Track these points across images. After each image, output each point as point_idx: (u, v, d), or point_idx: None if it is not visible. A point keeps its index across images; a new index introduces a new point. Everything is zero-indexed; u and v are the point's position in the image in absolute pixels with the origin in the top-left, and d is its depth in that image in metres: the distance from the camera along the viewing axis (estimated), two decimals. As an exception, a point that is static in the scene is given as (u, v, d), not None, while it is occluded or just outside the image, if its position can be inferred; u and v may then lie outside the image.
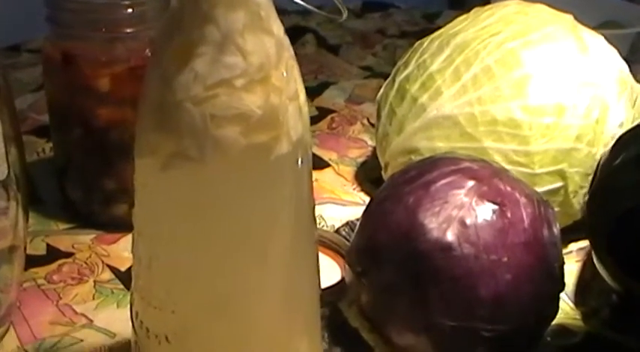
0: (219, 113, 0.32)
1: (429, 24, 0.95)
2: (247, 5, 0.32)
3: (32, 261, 0.51)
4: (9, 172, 0.40)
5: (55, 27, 0.52)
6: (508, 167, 0.51)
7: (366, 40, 0.92)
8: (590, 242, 0.47)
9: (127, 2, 0.51)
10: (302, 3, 0.35)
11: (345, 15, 0.36)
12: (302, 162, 0.36)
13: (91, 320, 0.47)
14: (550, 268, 0.42)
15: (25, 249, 0.46)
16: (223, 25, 0.32)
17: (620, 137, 0.47)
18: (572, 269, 0.52)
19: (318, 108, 0.75)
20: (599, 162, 0.47)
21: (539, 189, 0.51)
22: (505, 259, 0.41)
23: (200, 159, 0.33)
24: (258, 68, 0.33)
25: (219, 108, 0.32)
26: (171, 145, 0.33)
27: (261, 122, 0.33)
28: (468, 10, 0.59)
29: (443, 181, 0.43)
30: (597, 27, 0.61)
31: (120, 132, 0.52)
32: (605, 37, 0.58)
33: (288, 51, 0.34)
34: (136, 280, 0.37)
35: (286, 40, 0.34)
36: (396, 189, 0.44)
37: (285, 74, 0.34)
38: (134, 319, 0.38)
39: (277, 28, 0.34)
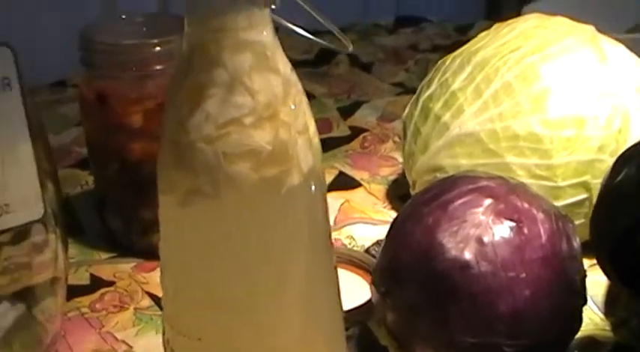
0: (230, 150, 0.34)
1: (461, 36, 0.96)
2: (253, 47, 0.34)
3: (76, 291, 0.54)
4: (45, 210, 0.42)
5: (88, 68, 0.55)
6: (531, 181, 0.52)
7: (398, 56, 0.93)
8: (596, 257, 0.48)
9: (154, 41, 0.54)
10: (306, 34, 0.36)
11: (350, 47, 0.37)
12: (314, 191, 0.37)
13: (131, 347, 0.49)
14: (570, 282, 0.43)
15: (66, 279, 0.49)
16: (231, 67, 0.34)
17: (622, 154, 0.47)
18: (601, 280, 0.52)
19: (350, 127, 0.77)
20: (603, 178, 0.47)
21: (563, 202, 0.52)
22: (523, 275, 0.41)
23: (215, 195, 0.35)
24: (265, 106, 0.34)
25: (231, 146, 0.34)
26: (187, 183, 0.35)
27: (272, 157, 0.35)
28: (505, 19, 0.60)
29: (460, 201, 0.44)
30: (628, 31, 0.61)
31: (153, 165, 0.54)
32: (636, 41, 0.58)
33: (296, 86, 0.36)
34: (165, 309, 0.39)
35: (294, 76, 0.36)
36: (416, 210, 0.46)
37: (293, 109, 0.35)
38: (166, 346, 0.40)
39: (283, 65, 0.35)
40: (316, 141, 0.37)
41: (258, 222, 0.36)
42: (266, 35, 0.34)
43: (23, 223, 0.41)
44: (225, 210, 0.35)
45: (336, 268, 0.41)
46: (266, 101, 0.34)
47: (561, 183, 0.52)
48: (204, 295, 0.37)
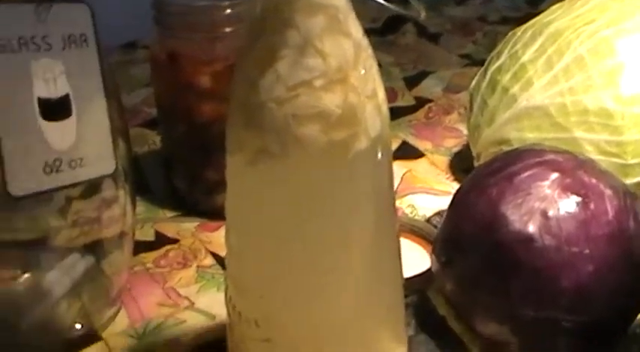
0: (300, 112, 0.34)
1: (531, 9, 0.94)
2: (326, 10, 0.34)
3: (142, 247, 0.56)
4: (116, 166, 0.44)
5: (160, 28, 0.56)
6: (599, 158, 0.51)
7: (466, 28, 0.92)
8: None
9: (225, 3, 0.54)
10: (379, 0, 0.36)
11: (423, 14, 0.37)
12: (381, 157, 0.37)
13: (193, 303, 0.50)
14: (636, 260, 0.42)
15: (133, 235, 0.50)
16: (303, 29, 0.34)
17: None
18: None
19: (415, 97, 0.76)
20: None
21: (633, 180, 0.51)
22: (587, 251, 0.41)
23: (283, 155, 0.35)
24: (336, 69, 0.34)
25: (300, 108, 0.34)
26: (256, 142, 0.35)
27: (340, 120, 0.35)
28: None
29: (526, 173, 0.43)
30: None
31: (221, 126, 0.54)
32: None
33: (367, 51, 0.36)
34: (228, 267, 0.40)
35: (365, 41, 0.36)
36: (480, 181, 0.45)
37: (363, 74, 0.35)
38: (228, 303, 0.41)
39: (355, 29, 0.35)
40: (385, 107, 0.37)
41: (325, 183, 0.36)
42: (339, -1, 0.35)
43: (95, 177, 0.42)
44: (292, 170, 0.35)
45: (398, 235, 0.41)
46: (337, 64, 0.34)
47: (631, 161, 0.51)
48: (267, 253, 0.37)
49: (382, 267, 0.40)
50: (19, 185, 0.38)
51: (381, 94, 0.37)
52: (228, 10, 0.54)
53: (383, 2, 0.37)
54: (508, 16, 0.94)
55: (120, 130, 0.47)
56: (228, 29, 0.55)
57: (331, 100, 0.34)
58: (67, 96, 0.40)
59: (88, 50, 0.41)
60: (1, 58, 0.37)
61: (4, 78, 0.37)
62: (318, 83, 0.34)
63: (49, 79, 0.39)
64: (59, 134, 0.40)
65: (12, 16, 0.38)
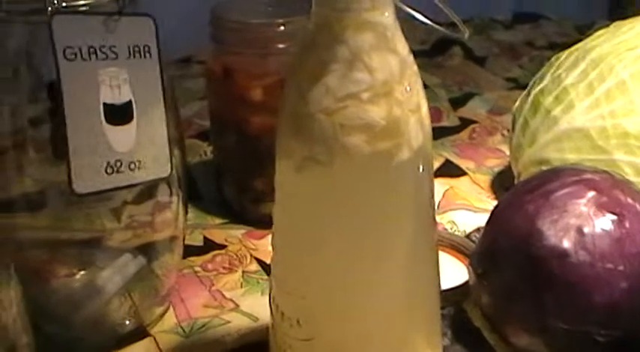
0: (347, 123, 0.36)
1: (580, 35, 0.95)
2: (374, 27, 0.36)
3: (191, 251, 0.58)
4: (171, 171, 0.46)
5: (217, 44, 0.59)
6: (638, 180, 0.52)
7: (513, 52, 0.93)
8: None
9: (279, 21, 0.57)
10: (424, 20, 0.38)
11: (466, 34, 0.39)
12: (422, 168, 0.39)
13: (238, 305, 0.53)
14: (669, 279, 0.43)
15: (183, 239, 0.53)
16: (352, 45, 0.36)
17: None
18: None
19: (460, 118, 0.78)
20: None
21: (670, 203, 0.52)
22: (621, 268, 0.42)
23: (329, 163, 0.37)
24: (382, 83, 0.37)
25: (348, 119, 0.36)
26: (304, 150, 0.38)
27: (385, 131, 0.37)
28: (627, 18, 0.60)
29: (563, 191, 0.45)
30: None
31: (270, 138, 0.57)
32: None
33: (412, 68, 0.38)
34: (273, 268, 0.42)
35: (410, 58, 0.38)
36: (518, 198, 0.47)
37: (407, 89, 0.37)
38: (271, 303, 0.43)
39: (402, 47, 0.37)
40: (427, 121, 0.39)
41: (368, 191, 0.38)
42: (387, 17, 0.37)
43: (152, 179, 0.45)
44: (337, 177, 0.38)
45: (437, 246, 0.43)
46: (383, 79, 0.36)
47: (669, 184, 0.52)
48: (310, 256, 0.39)
49: (420, 276, 0.41)
50: (83, 183, 0.41)
51: (424, 109, 0.39)
52: (282, 28, 0.57)
53: (428, 22, 0.39)
54: (556, 42, 0.95)
55: (175, 139, 0.49)
56: (280, 45, 0.57)
57: (377, 112, 0.37)
58: (129, 102, 0.42)
59: (150, 61, 0.44)
60: (72, 65, 0.40)
61: (74, 83, 0.40)
62: (364, 96, 0.36)
63: (114, 86, 0.42)
64: (121, 137, 0.42)
65: (83, 27, 0.41)
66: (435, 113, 0.78)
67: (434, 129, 0.74)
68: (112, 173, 0.42)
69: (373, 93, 0.36)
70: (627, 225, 0.43)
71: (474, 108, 0.80)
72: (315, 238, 0.39)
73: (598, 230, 0.43)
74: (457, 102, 0.80)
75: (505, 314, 0.45)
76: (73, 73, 0.40)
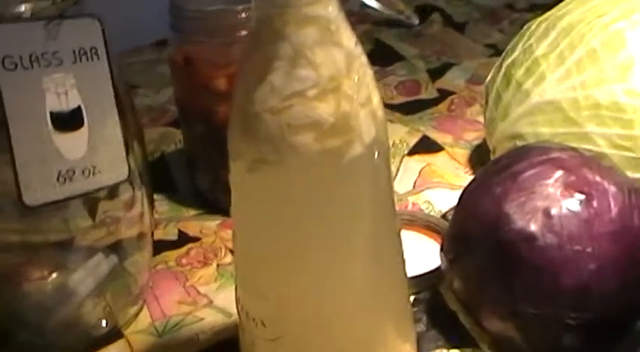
0: (294, 122, 0.35)
1: (561, -4, 0.93)
2: (317, 21, 0.35)
3: (165, 246, 0.58)
4: (130, 172, 0.45)
5: (177, 33, 0.57)
6: (612, 152, 0.51)
7: (493, 16, 0.91)
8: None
9: (239, 8, 0.55)
10: (374, 6, 0.37)
11: (416, 21, 0.37)
12: (378, 161, 0.38)
13: (212, 301, 0.52)
14: (640, 257, 0.42)
15: (152, 235, 0.52)
16: (295, 41, 0.35)
17: None
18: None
19: (439, 90, 0.77)
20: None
21: (645, 174, 0.51)
22: (589, 249, 0.41)
23: (279, 163, 0.36)
24: (329, 79, 0.35)
25: (295, 118, 0.35)
26: (254, 151, 0.37)
27: (334, 128, 0.36)
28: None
29: (531, 172, 0.44)
30: None
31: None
32: None
33: (359, 59, 0.37)
34: (236, 269, 0.42)
35: (358, 49, 0.37)
36: (486, 179, 0.46)
37: (356, 82, 0.36)
38: (237, 303, 0.42)
39: (347, 39, 0.36)
40: (380, 112, 0.38)
41: (321, 189, 0.37)
42: (331, 10, 0.35)
43: (109, 184, 0.44)
44: (289, 177, 0.37)
45: (400, 233, 0.42)
46: (329, 74, 0.35)
47: (643, 154, 0.51)
48: (270, 256, 0.39)
49: (384, 266, 0.41)
50: (33, 195, 0.40)
51: (376, 100, 0.38)
52: (243, 14, 0.55)
53: (377, 8, 0.38)
54: (537, 3, 0.93)
55: (134, 133, 0.48)
56: (243, 33, 0.56)
57: (324, 109, 0.35)
58: (78, 108, 0.41)
59: (98, 62, 0.42)
60: (13, 75, 0.39)
61: (16, 93, 0.39)
62: (311, 93, 0.35)
63: (61, 93, 0.41)
64: (72, 144, 0.41)
65: (23, 34, 0.39)
66: (413, 86, 0.77)
67: (413, 102, 0.73)
68: (65, 182, 0.41)
69: (319, 90, 0.35)
70: (595, 204, 0.42)
71: (453, 79, 0.78)
72: (272, 238, 0.38)
73: (565, 211, 0.42)
74: (435, 73, 0.79)
75: (477, 300, 0.45)
76: (14, 83, 0.39)
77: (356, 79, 0.36)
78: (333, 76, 0.35)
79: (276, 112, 0.35)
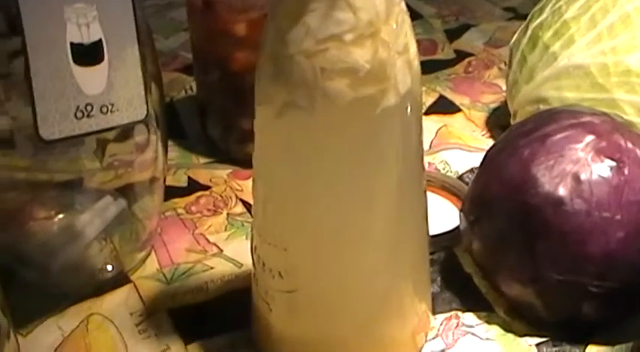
0: (328, 66, 0.34)
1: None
2: (358, -38, 0.34)
3: (174, 192, 0.56)
4: (148, 112, 0.44)
5: (197, -26, 0.55)
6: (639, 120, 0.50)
7: (513, -22, 0.89)
8: None
9: (264, -51, 0.53)
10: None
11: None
12: (410, 113, 0.37)
13: (222, 250, 0.51)
14: (668, 228, 0.41)
15: (164, 180, 0.51)
16: (335, -19, 0.33)
17: None
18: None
19: (456, 51, 0.75)
20: None
21: (672, 145, 0.50)
22: (618, 217, 0.40)
23: (310, 109, 0.35)
24: (367, 23, 0.34)
25: (329, 62, 0.34)
26: (284, 95, 0.35)
27: (369, 75, 0.34)
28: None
29: (560, 135, 0.43)
30: None
31: (255, 75, 0.55)
32: None
33: (399, 5, 0.35)
34: (254, 218, 0.41)
35: (398, -6, 0.35)
36: (512, 141, 0.45)
37: (394, 28, 0.35)
38: (253, 253, 0.41)
39: (388, -17, 0.35)
40: (416, 63, 0.37)
41: (352, 138, 0.36)
42: (373, -50, 0.34)
43: (126, 122, 0.43)
44: (319, 124, 0.35)
45: (425, 192, 0.41)
46: (368, 18, 0.34)
47: (672, 125, 0.50)
48: (293, 206, 0.37)
49: (407, 223, 0.40)
50: (50, 129, 0.39)
51: (413, 50, 0.36)
52: (267, -44, 0.53)
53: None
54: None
55: (153, 76, 0.47)
56: (266, -24, 0.54)
57: (361, 55, 0.34)
58: (99, 41, 0.40)
59: (121, -4, 0.41)
60: (34, 3, 0.37)
61: (37, 21, 0.37)
62: (347, 37, 0.34)
63: (82, 24, 0.39)
64: (91, 79, 0.40)
65: (45, -41, 0.38)
66: (429, 45, 0.75)
67: (428, 62, 0.71)
68: (82, 117, 0.40)
69: (357, 35, 0.34)
70: (626, 171, 0.41)
71: (471, 41, 0.76)
72: (296, 187, 0.37)
73: (595, 177, 0.41)
74: (453, 34, 0.77)
75: (496, 263, 0.44)
76: (35, 10, 0.37)
77: (394, 26, 0.35)
78: (371, 20, 0.34)
79: (311, 55, 0.34)
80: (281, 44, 0.35)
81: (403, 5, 0.36)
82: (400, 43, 0.35)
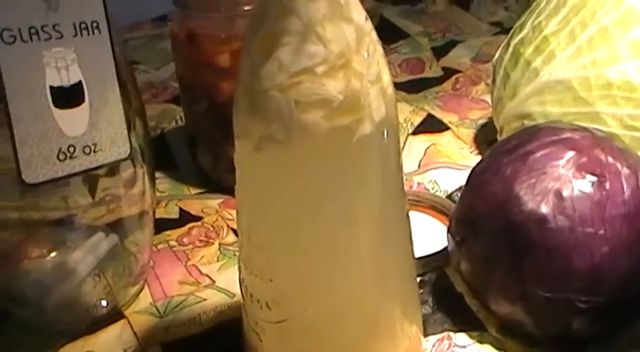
0: (302, 99, 0.34)
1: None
2: (327, -5, 0.34)
3: (166, 224, 0.57)
4: (131, 150, 0.44)
5: (179, 7, 0.56)
6: (623, 132, 0.50)
7: (499, -7, 0.90)
8: None
9: (243, -19, 0.54)
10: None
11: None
12: (387, 139, 0.37)
13: (214, 281, 0.51)
14: (653, 240, 0.41)
15: (153, 213, 0.51)
16: (304, 15, 0.34)
17: None
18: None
19: (443, 68, 0.75)
20: None
21: (656, 155, 0.50)
22: (602, 232, 0.40)
23: (287, 141, 0.35)
24: (338, 55, 0.34)
25: (303, 95, 0.34)
26: (261, 129, 0.36)
27: (343, 106, 0.35)
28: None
29: (542, 152, 0.43)
30: None
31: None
32: None
33: (370, 35, 0.36)
34: (240, 250, 0.41)
35: (368, 25, 0.36)
36: (495, 160, 0.45)
37: (366, 58, 0.35)
38: (241, 284, 0.41)
39: (357, 14, 0.35)
40: (390, 90, 0.37)
41: (330, 168, 0.36)
42: (340, -17, 0.34)
43: (110, 161, 0.43)
44: (297, 156, 0.36)
45: (408, 214, 0.41)
46: (339, 50, 0.34)
47: (655, 135, 0.50)
48: (276, 238, 0.38)
49: (391, 247, 0.40)
50: (33, 173, 0.39)
51: (386, 78, 0.37)
52: (247, -12, 0.54)
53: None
54: (543, -20, 0.91)
55: (136, 110, 0.47)
56: (247, 7, 0.54)
57: (333, 87, 0.34)
58: (79, 83, 0.40)
59: (100, 37, 0.41)
60: (12, 49, 0.38)
61: (15, 68, 0.38)
62: (320, 70, 0.34)
63: (61, 68, 0.39)
64: (72, 121, 0.40)
65: (22, 6, 0.38)
66: (417, 64, 0.76)
67: (416, 81, 0.72)
68: (65, 159, 0.40)
69: (329, 67, 0.34)
70: (608, 186, 0.41)
71: (458, 57, 0.77)
72: (279, 219, 0.37)
73: (577, 193, 0.41)
74: (440, 51, 0.78)
75: (485, 282, 0.44)
76: (14, 57, 0.38)
77: (366, 56, 0.35)
78: (342, 52, 0.34)
79: (285, 89, 0.34)
80: (255, 79, 0.35)
81: (374, 35, 0.36)
82: (372, 73, 0.35)
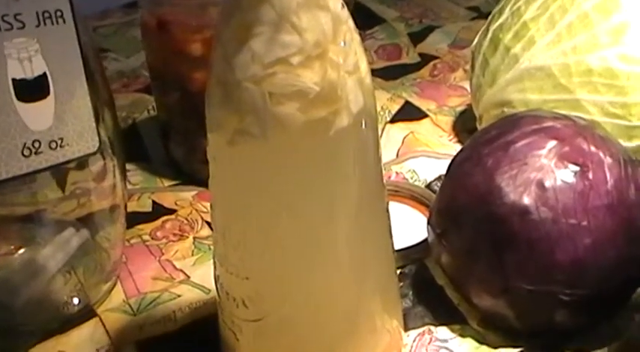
0: (277, 91, 0.33)
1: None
2: (302, -18, 0.33)
3: (139, 218, 0.55)
4: (100, 143, 0.43)
5: (149, -6, 0.54)
6: (604, 119, 0.49)
7: (476, -23, 0.89)
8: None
9: (215, -34, 0.52)
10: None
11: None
12: (365, 130, 0.36)
13: (189, 276, 0.50)
14: (636, 231, 0.41)
15: (125, 207, 0.49)
16: (278, 4, 0.32)
17: None
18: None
19: (420, 54, 0.74)
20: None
21: (637, 142, 0.49)
22: (585, 223, 0.40)
23: (261, 135, 0.34)
24: (314, 45, 0.33)
25: (278, 86, 0.33)
26: (234, 122, 0.34)
27: (320, 98, 0.33)
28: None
29: (523, 142, 0.42)
30: None
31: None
32: None
33: (346, 24, 0.34)
34: (214, 246, 0.40)
35: (344, 13, 0.34)
36: (475, 150, 0.44)
37: (343, 47, 0.34)
38: (216, 282, 0.40)
39: (333, 2, 0.34)
40: (368, 80, 0.36)
41: (307, 162, 0.35)
42: (316, -30, 0.33)
43: (78, 156, 0.41)
44: (272, 150, 0.34)
45: (388, 207, 0.40)
46: (314, 40, 0.33)
47: (636, 123, 0.49)
48: (251, 234, 0.36)
49: (370, 240, 0.39)
50: (-3, 169, 0.37)
51: (364, 67, 0.35)
52: (219, -26, 0.52)
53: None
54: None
55: (105, 102, 0.45)
56: (219, -6, 0.53)
57: (309, 78, 0.33)
58: (43, 75, 0.39)
59: (64, 26, 0.39)
60: (-29, 40, 0.36)
61: (-25, 60, 0.36)
62: (295, 60, 0.33)
63: (24, 59, 0.38)
64: (37, 115, 0.39)
65: (-19, -6, 0.36)
66: (394, 50, 0.74)
67: (393, 67, 0.71)
68: (30, 155, 0.39)
69: (304, 57, 0.33)
70: (590, 176, 0.40)
71: (435, 43, 0.76)
72: (255, 214, 0.36)
73: (560, 183, 0.40)
74: (417, 37, 0.76)
75: (466, 275, 0.43)
76: (-27, 49, 0.36)
77: (343, 45, 0.34)
78: (318, 41, 0.33)
79: (259, 81, 0.33)
80: (228, 70, 0.34)
81: (351, 23, 0.35)
82: (350, 62, 0.34)
